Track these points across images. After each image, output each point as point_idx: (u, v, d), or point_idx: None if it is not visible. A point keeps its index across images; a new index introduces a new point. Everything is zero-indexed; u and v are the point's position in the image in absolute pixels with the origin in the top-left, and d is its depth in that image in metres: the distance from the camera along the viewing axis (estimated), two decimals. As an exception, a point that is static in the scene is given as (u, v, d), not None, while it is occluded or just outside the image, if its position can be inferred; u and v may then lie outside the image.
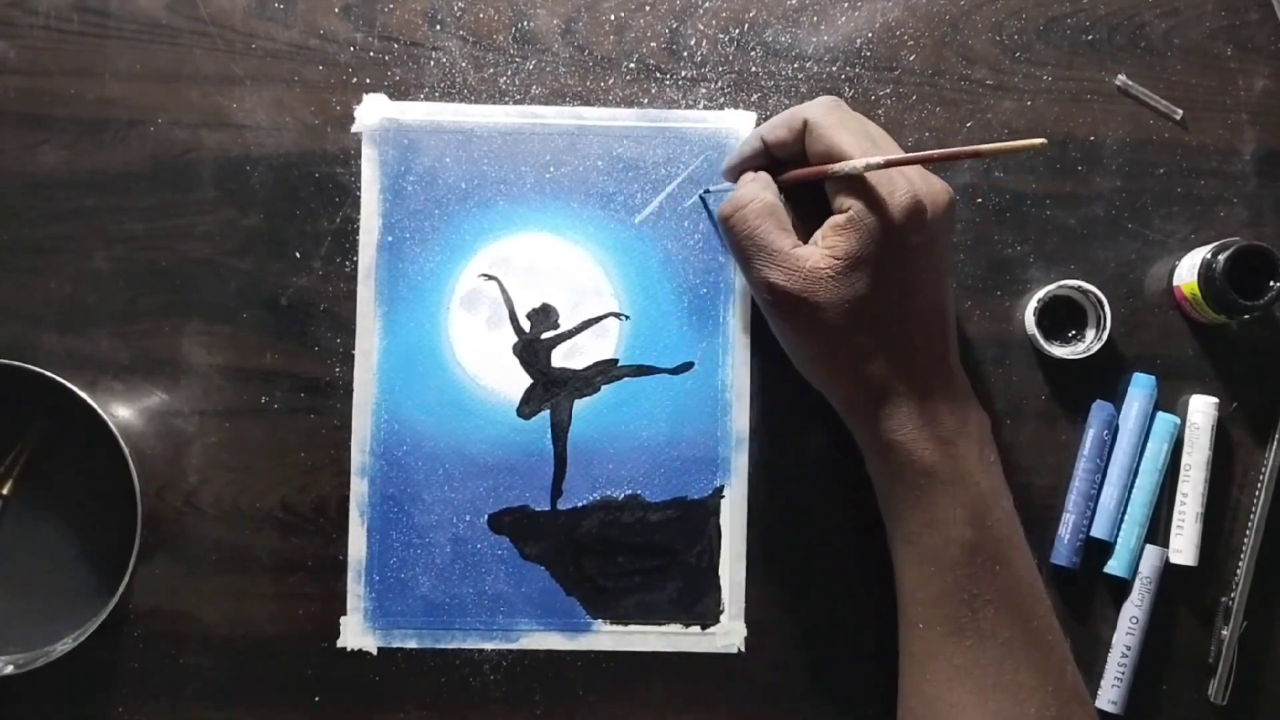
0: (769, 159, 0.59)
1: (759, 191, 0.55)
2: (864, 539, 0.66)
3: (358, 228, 0.66)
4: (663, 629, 0.65)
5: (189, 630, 0.65)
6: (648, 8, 0.68)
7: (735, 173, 0.61)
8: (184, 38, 0.66)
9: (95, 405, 0.61)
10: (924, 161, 0.51)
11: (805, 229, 0.56)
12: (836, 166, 0.53)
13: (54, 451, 0.65)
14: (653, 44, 0.67)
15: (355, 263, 0.66)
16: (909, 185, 0.53)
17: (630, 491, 0.66)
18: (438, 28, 0.67)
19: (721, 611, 0.65)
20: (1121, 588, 0.65)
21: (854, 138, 0.53)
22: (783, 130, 0.57)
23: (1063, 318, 0.66)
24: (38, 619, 0.64)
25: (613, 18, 0.67)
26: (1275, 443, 0.66)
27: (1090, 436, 0.66)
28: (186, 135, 0.66)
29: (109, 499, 0.64)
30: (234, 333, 0.66)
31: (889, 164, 0.51)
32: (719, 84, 0.67)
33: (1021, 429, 0.66)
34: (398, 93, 0.67)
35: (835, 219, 0.54)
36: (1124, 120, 0.68)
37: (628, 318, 0.66)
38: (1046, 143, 0.48)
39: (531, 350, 0.66)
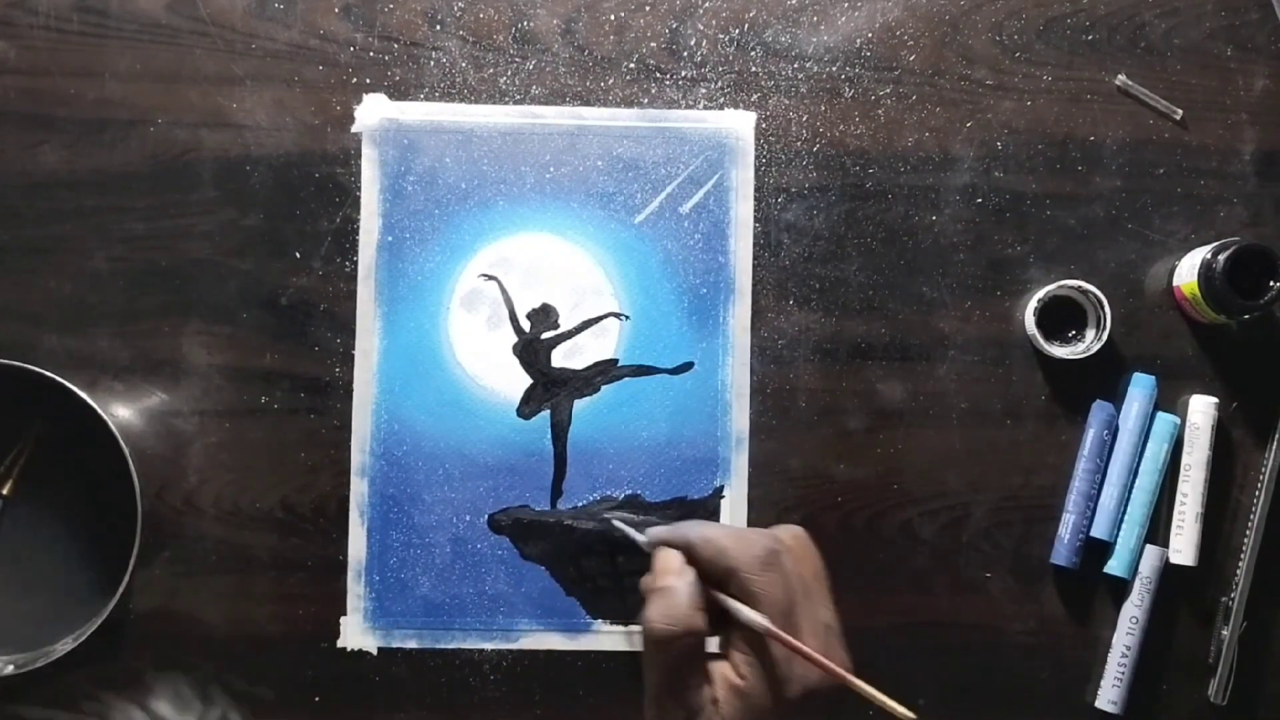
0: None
1: (691, 618, 0.48)
2: (864, 539, 0.66)
3: (358, 228, 0.66)
4: (663, 629, 0.65)
5: (189, 630, 0.65)
6: (648, 8, 0.68)
7: (663, 541, 0.54)
8: (184, 38, 0.66)
9: (95, 405, 0.61)
10: (809, 659, 0.48)
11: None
12: (755, 618, 0.49)
13: (54, 451, 0.65)
14: (653, 44, 0.67)
15: (355, 263, 0.66)
16: (802, 682, 0.48)
17: (630, 491, 0.66)
18: (438, 28, 0.67)
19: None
20: (1121, 588, 0.65)
21: (774, 606, 0.48)
22: (707, 555, 0.51)
23: (1063, 318, 0.66)
24: (38, 619, 0.64)
25: (613, 18, 0.67)
26: (1275, 443, 0.66)
27: (1090, 436, 0.65)
28: (186, 135, 0.66)
29: (109, 499, 0.64)
30: (234, 333, 0.66)
31: (782, 643, 0.48)
32: (719, 84, 0.67)
33: (1021, 429, 0.66)
34: (398, 93, 0.67)
35: (733, 678, 0.49)
36: (1124, 120, 0.68)
37: (628, 318, 0.66)
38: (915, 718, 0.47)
39: (531, 350, 0.66)
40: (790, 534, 0.52)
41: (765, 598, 0.48)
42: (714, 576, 0.50)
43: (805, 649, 0.48)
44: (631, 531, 0.62)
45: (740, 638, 0.49)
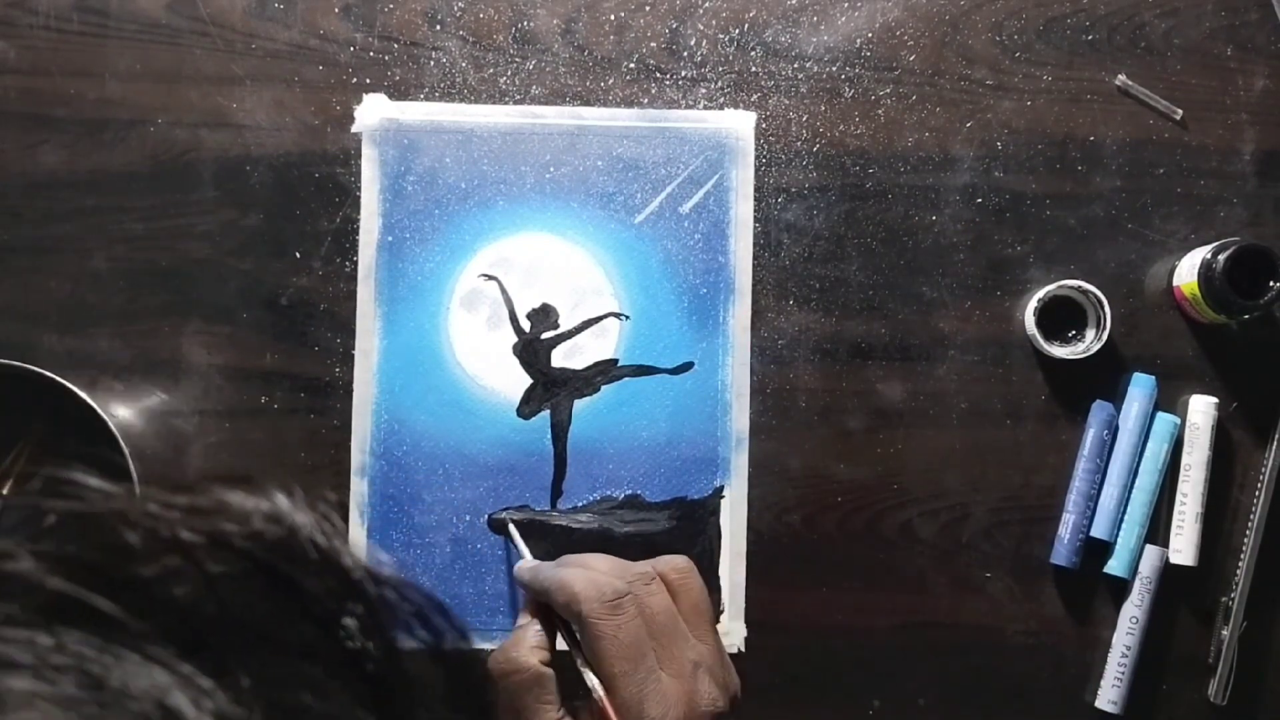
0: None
1: (524, 655, 0.51)
2: (864, 539, 0.66)
3: (358, 228, 0.66)
4: (663, 629, 0.65)
5: (189, 630, 0.65)
6: (648, 8, 0.68)
7: (524, 585, 0.56)
8: (184, 38, 0.66)
9: (95, 405, 0.61)
10: None
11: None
12: (588, 678, 0.50)
13: (54, 451, 0.65)
14: (653, 44, 0.67)
15: (355, 263, 0.66)
16: None
17: (630, 491, 0.66)
18: (438, 28, 0.67)
19: (721, 611, 0.65)
20: (1121, 588, 0.65)
21: (616, 660, 0.49)
22: (559, 602, 0.52)
23: (1063, 318, 0.66)
24: (38, 619, 0.64)
25: (613, 18, 0.67)
26: (1275, 443, 0.66)
27: (1090, 436, 0.65)
28: (186, 135, 0.66)
29: (109, 499, 0.64)
30: (234, 333, 0.66)
31: (600, 708, 0.49)
32: (719, 84, 0.67)
33: (1021, 429, 0.66)
34: (398, 93, 0.67)
35: None
36: (1124, 120, 0.68)
37: (628, 318, 0.66)
38: None
39: (531, 350, 0.66)
40: (669, 566, 0.53)
41: (611, 640, 0.50)
42: (570, 620, 0.52)
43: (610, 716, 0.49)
44: (523, 547, 0.62)
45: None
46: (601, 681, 0.49)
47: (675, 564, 0.53)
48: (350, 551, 0.27)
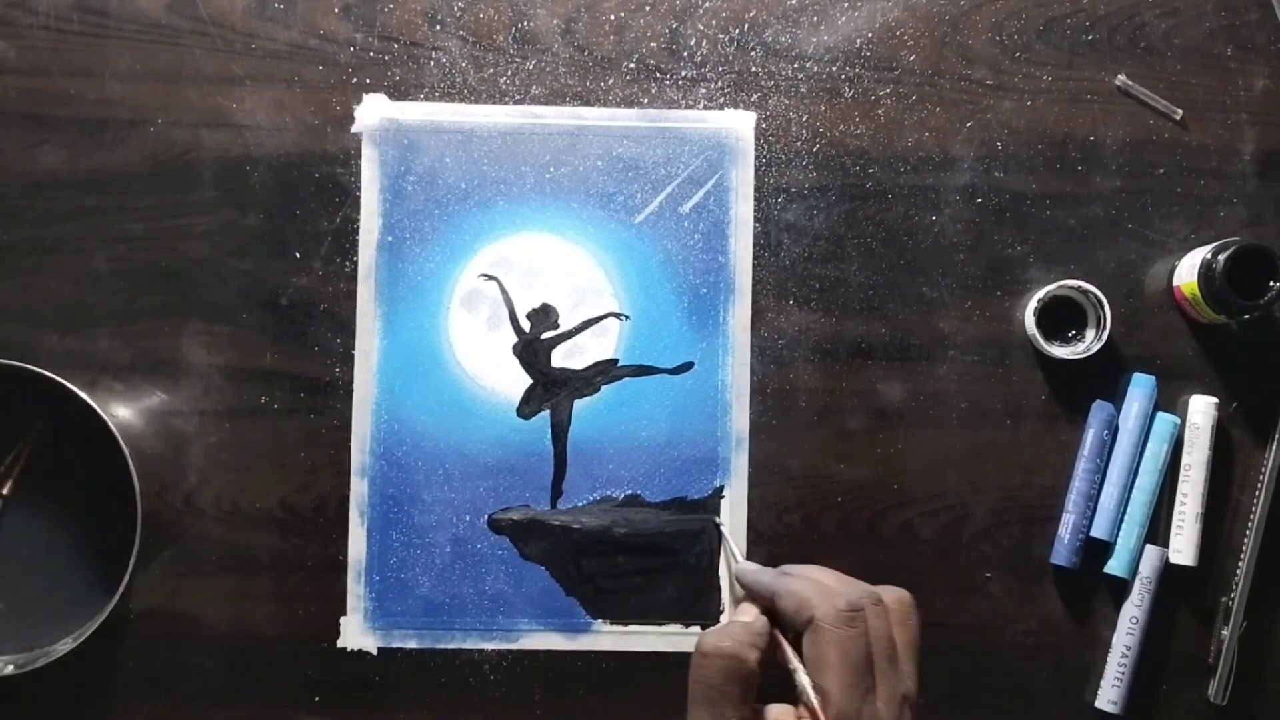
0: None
1: (740, 648, 0.50)
2: (864, 539, 0.66)
3: (358, 228, 0.66)
4: (663, 629, 0.65)
5: (189, 630, 0.65)
6: (648, 8, 0.68)
7: (746, 586, 0.57)
8: (184, 38, 0.66)
9: (95, 405, 0.61)
10: None
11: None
12: (807, 690, 0.49)
13: (54, 451, 0.65)
14: (653, 44, 0.67)
15: (355, 263, 0.66)
16: None
17: (630, 491, 0.66)
18: (438, 28, 0.67)
19: (721, 611, 0.65)
20: (1121, 588, 0.65)
21: (842, 672, 0.49)
22: (789, 607, 0.52)
23: (1063, 318, 0.66)
24: (38, 619, 0.64)
25: (613, 18, 0.67)
26: (1275, 443, 0.66)
27: (1090, 436, 0.66)
28: (186, 135, 0.66)
29: (109, 499, 0.64)
30: (234, 333, 0.66)
31: None
32: (719, 84, 0.67)
33: (1021, 429, 0.66)
34: (398, 93, 0.67)
35: None
36: (1124, 120, 0.68)
37: (628, 318, 0.66)
38: None
39: (531, 350, 0.66)
40: (894, 596, 0.52)
41: (841, 651, 0.49)
42: (795, 628, 0.51)
43: None
44: (736, 551, 0.63)
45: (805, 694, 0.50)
46: (818, 693, 0.48)
47: (900, 595, 0.53)
48: None
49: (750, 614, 0.53)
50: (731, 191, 0.67)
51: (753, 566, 0.56)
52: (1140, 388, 0.66)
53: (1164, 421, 0.65)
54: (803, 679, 0.49)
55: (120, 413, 0.65)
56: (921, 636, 0.52)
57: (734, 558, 0.63)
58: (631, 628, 0.65)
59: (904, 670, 0.51)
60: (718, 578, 0.66)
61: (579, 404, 0.66)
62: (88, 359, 0.65)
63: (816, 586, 0.51)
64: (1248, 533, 0.66)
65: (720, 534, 0.65)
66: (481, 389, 0.66)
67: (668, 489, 0.66)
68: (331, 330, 0.66)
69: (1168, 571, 0.65)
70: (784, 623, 0.53)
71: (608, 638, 0.65)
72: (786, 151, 0.67)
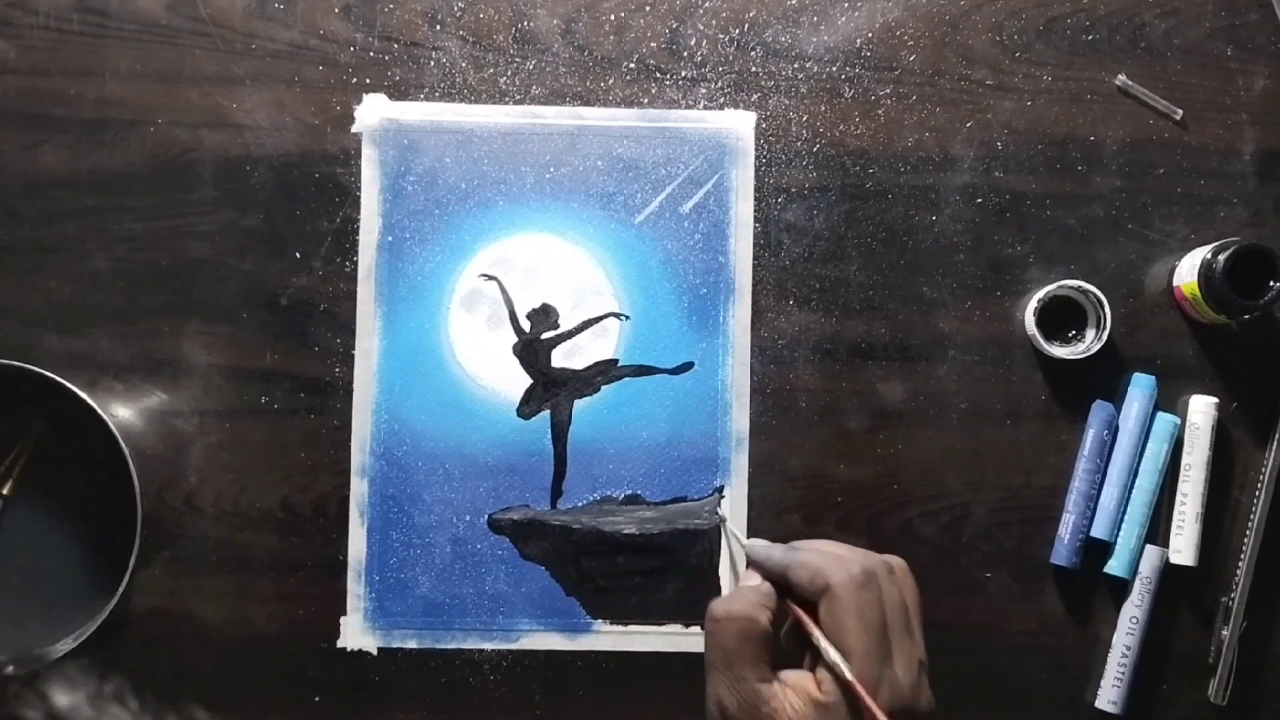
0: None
1: (752, 609, 0.51)
2: (864, 539, 0.66)
3: (358, 228, 0.66)
4: (663, 629, 0.65)
5: (189, 630, 0.65)
6: (648, 8, 0.68)
7: (750, 563, 0.56)
8: (184, 38, 0.66)
9: (95, 405, 0.61)
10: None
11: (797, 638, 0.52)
12: (830, 652, 0.49)
13: (54, 451, 0.65)
14: (653, 44, 0.67)
15: (355, 263, 0.66)
16: (887, 708, 0.49)
17: (630, 491, 0.66)
18: (438, 28, 0.67)
19: (721, 611, 0.65)
20: (1121, 588, 0.65)
21: (862, 636, 0.49)
22: (803, 578, 0.52)
23: (1063, 318, 0.66)
24: (38, 619, 0.64)
25: (613, 18, 0.67)
26: (1275, 443, 0.66)
27: (1090, 436, 0.66)
28: (186, 135, 0.66)
29: (109, 499, 0.64)
30: (234, 333, 0.66)
31: (854, 693, 0.48)
32: (719, 84, 0.67)
33: (1021, 429, 0.66)
34: (398, 93, 0.67)
35: (814, 692, 0.49)
36: (1124, 120, 0.68)
37: (628, 318, 0.66)
38: None
39: (531, 350, 0.66)
40: (897, 562, 0.52)
41: (859, 617, 0.49)
42: (810, 597, 0.51)
43: (865, 696, 0.47)
44: (736, 533, 0.63)
45: (822, 659, 0.50)
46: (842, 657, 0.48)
47: (895, 562, 0.53)
48: None
49: (755, 579, 0.54)
50: (731, 191, 0.67)
51: (762, 543, 0.56)
52: (1140, 388, 0.66)
53: (1164, 421, 0.65)
54: (824, 643, 0.49)
55: (120, 413, 0.65)
56: (920, 600, 0.53)
57: (739, 540, 0.63)
58: (631, 628, 0.65)
59: (916, 636, 0.51)
60: (718, 577, 0.66)
61: (579, 404, 0.66)
62: (88, 359, 0.65)
63: (829, 556, 0.51)
64: (1248, 533, 0.66)
65: (722, 522, 0.65)
66: (481, 389, 0.66)
67: (668, 489, 0.66)
68: (331, 330, 0.66)
69: (1168, 571, 0.65)
70: (796, 597, 0.53)
71: (608, 638, 0.65)
72: (786, 151, 0.67)
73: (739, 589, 0.53)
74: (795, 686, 0.49)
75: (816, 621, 0.50)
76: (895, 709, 0.48)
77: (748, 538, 0.66)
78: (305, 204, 0.66)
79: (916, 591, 0.52)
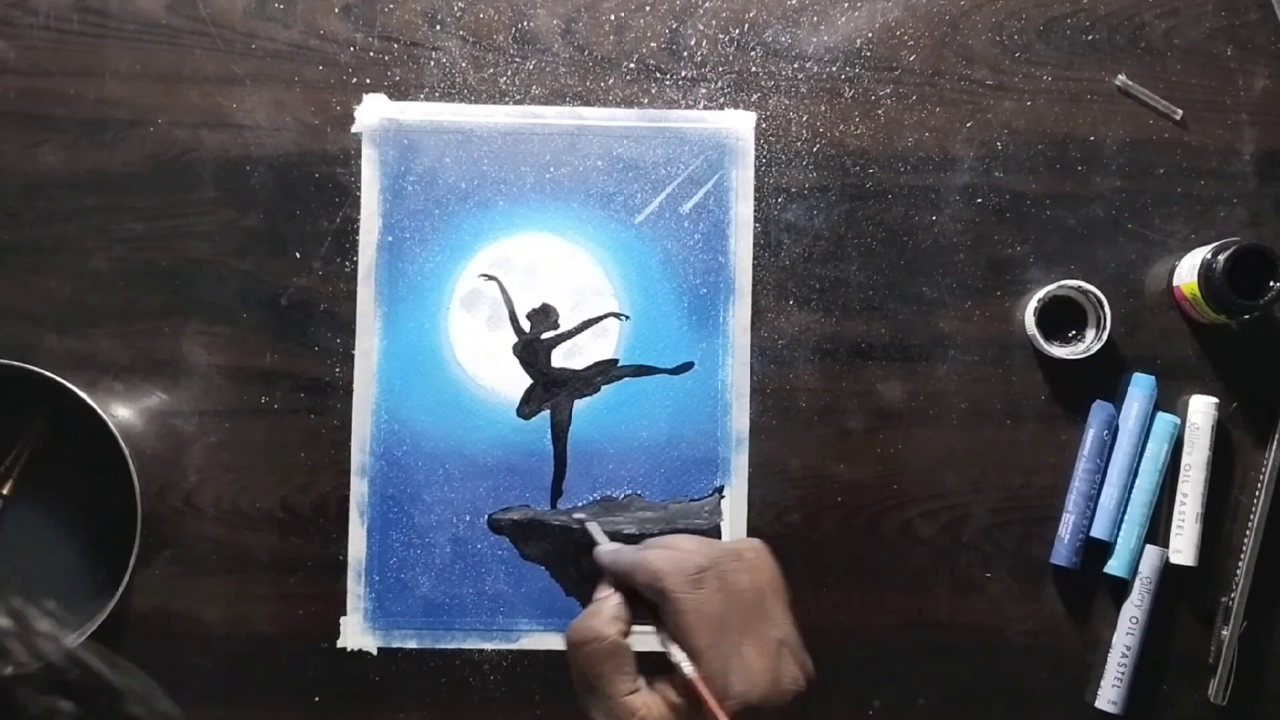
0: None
1: (604, 626, 0.51)
2: (864, 539, 0.66)
3: (358, 228, 0.66)
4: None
5: (189, 630, 0.65)
6: (648, 8, 0.68)
7: (605, 567, 0.57)
8: (184, 38, 0.66)
9: (95, 405, 0.61)
10: (707, 709, 0.49)
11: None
12: (672, 653, 0.50)
13: (54, 451, 0.65)
14: (653, 44, 0.67)
15: (355, 263, 0.66)
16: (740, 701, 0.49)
17: (630, 491, 0.66)
18: (438, 28, 0.67)
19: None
20: (1121, 588, 0.65)
21: (702, 633, 0.49)
22: (642, 582, 0.52)
23: (1063, 318, 0.66)
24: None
25: (613, 18, 0.67)
26: (1275, 443, 0.66)
27: (1090, 436, 0.65)
28: (186, 135, 0.66)
29: (109, 499, 0.64)
30: (234, 333, 0.66)
31: (693, 689, 0.49)
32: (719, 84, 0.67)
33: (1021, 429, 0.66)
34: (398, 93, 0.67)
35: (670, 695, 0.50)
36: (1124, 120, 0.68)
37: (628, 318, 0.66)
38: None
39: (531, 350, 0.66)
40: (747, 546, 0.53)
41: (695, 615, 0.50)
42: (652, 599, 0.52)
43: (706, 695, 0.48)
44: (601, 536, 0.62)
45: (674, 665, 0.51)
46: (690, 660, 0.49)
47: (754, 544, 0.54)
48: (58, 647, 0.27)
49: (605, 592, 0.54)
50: (731, 191, 0.67)
51: (611, 547, 0.57)
52: (1140, 388, 0.66)
53: (1164, 421, 0.65)
54: (670, 647, 0.50)
55: (120, 413, 0.65)
56: (782, 579, 0.53)
57: (599, 542, 0.61)
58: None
59: (773, 617, 0.51)
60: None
61: (579, 404, 0.66)
62: (88, 359, 0.65)
63: (669, 555, 0.52)
64: (1248, 533, 0.66)
65: (583, 523, 0.64)
66: (481, 389, 0.66)
67: (668, 489, 0.66)
68: (331, 330, 0.66)
69: (1168, 571, 0.65)
70: (646, 599, 0.53)
71: (608, 638, 0.65)
72: (786, 151, 0.67)
73: (591, 606, 0.54)
74: (660, 692, 0.50)
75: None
76: (751, 695, 0.49)
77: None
78: (305, 204, 0.66)
79: (776, 572, 0.53)
